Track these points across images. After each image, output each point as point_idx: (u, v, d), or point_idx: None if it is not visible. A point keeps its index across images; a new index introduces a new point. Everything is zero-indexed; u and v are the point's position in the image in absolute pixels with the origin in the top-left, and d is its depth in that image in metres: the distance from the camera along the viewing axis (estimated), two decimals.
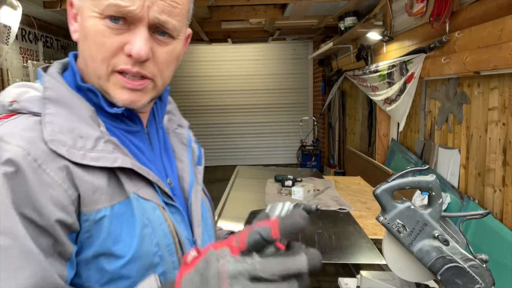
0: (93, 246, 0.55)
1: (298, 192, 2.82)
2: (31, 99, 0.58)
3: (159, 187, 0.63)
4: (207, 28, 5.32)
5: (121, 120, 0.65)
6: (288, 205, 0.73)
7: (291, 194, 2.86)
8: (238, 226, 2.31)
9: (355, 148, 5.17)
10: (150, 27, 0.58)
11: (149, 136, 0.70)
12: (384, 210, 0.86)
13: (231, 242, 0.48)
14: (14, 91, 0.60)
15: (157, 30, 0.59)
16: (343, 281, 1.25)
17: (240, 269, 0.44)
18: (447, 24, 2.63)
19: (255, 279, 0.43)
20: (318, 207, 0.69)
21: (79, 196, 0.54)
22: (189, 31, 0.70)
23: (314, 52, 6.67)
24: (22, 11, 3.27)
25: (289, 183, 3.06)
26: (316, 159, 6.86)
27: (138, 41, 0.57)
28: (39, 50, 4.21)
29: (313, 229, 2.19)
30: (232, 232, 0.82)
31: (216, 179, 6.94)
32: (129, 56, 0.57)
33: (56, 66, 0.65)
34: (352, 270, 2.74)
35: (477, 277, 0.79)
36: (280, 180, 3.16)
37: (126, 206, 0.58)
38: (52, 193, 0.51)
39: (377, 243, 1.98)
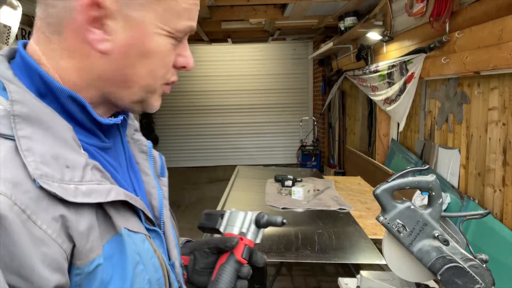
0: None
1: (298, 192, 2.82)
2: None
3: (143, 213, 0.55)
4: (207, 28, 5.32)
5: (95, 134, 0.55)
6: (250, 216, 0.73)
7: (291, 194, 2.86)
8: None
9: (355, 148, 5.17)
10: None
11: (117, 151, 0.60)
12: (384, 210, 0.87)
13: None
14: None
15: None
16: (343, 281, 1.25)
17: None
18: (447, 24, 2.63)
19: None
20: (284, 221, 0.70)
21: (73, 247, 0.44)
22: None
23: (314, 52, 6.67)
24: (22, 11, 3.27)
25: (289, 183, 3.06)
26: (316, 159, 6.86)
27: (189, 53, 0.57)
28: None
29: (313, 229, 2.19)
30: (189, 241, 0.78)
31: (216, 179, 6.95)
32: (182, 68, 0.57)
33: (3, 62, 0.50)
34: (352, 270, 2.74)
35: (477, 277, 0.80)
36: (280, 180, 3.16)
37: (116, 244, 0.49)
38: (45, 251, 0.41)
39: (377, 243, 1.98)
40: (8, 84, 0.46)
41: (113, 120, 0.55)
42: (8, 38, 3.30)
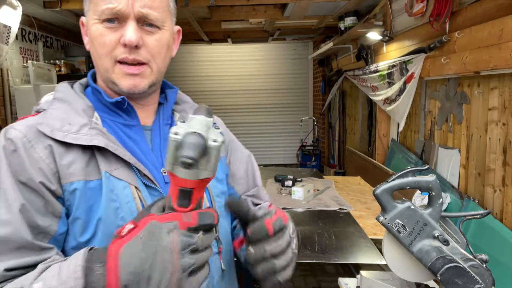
0: (72, 213, 0.67)
1: (298, 192, 2.82)
2: (47, 100, 0.76)
3: (137, 169, 0.71)
4: (207, 28, 5.31)
5: (119, 114, 0.77)
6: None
7: (291, 194, 2.86)
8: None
9: (355, 148, 5.17)
10: (137, 20, 0.71)
11: (152, 132, 0.80)
12: (384, 210, 0.86)
13: (179, 217, 0.54)
14: (45, 98, 0.78)
15: (144, 22, 0.72)
16: (343, 281, 1.25)
17: (190, 242, 0.53)
18: (447, 24, 2.63)
19: (196, 251, 0.54)
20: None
21: (58, 170, 0.67)
22: (178, 27, 0.83)
23: (314, 52, 6.66)
24: (22, 11, 3.27)
25: (289, 183, 3.06)
26: (316, 159, 6.86)
27: (129, 32, 0.70)
28: (39, 50, 4.21)
29: (313, 229, 2.19)
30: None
31: None
32: (125, 45, 0.71)
33: (77, 84, 0.81)
34: (352, 270, 2.74)
35: (477, 277, 0.80)
36: (280, 180, 3.16)
37: (100, 184, 0.68)
38: (38, 165, 0.66)
39: (377, 243, 1.98)
40: (60, 85, 0.78)
41: (114, 99, 0.75)
42: (8, 38, 3.30)
